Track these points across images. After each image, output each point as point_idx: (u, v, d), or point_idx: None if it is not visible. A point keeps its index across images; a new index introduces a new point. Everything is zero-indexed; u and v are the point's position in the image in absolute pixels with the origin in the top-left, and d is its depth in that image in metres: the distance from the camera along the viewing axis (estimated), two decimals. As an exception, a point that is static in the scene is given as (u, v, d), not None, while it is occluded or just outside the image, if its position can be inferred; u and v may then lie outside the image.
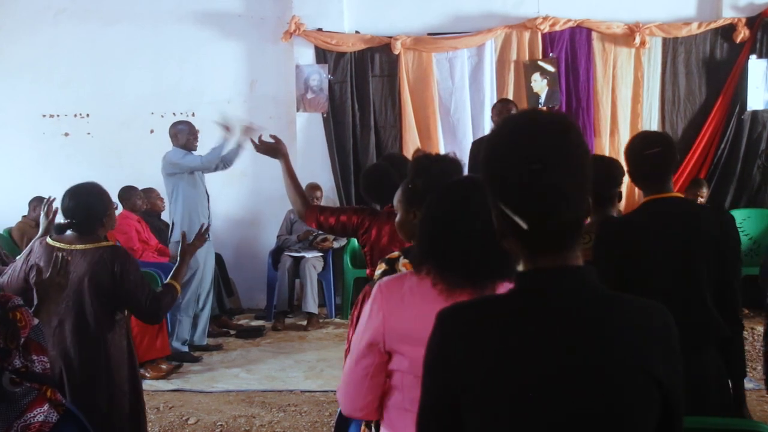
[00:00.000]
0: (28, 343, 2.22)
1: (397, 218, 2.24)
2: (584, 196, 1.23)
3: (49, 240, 3.17)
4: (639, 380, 1.19)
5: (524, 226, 1.20)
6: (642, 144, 2.72)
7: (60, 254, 2.76)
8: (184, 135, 5.88)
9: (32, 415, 2.21)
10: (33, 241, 3.29)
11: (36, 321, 2.29)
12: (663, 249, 2.59)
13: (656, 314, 1.26)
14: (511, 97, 7.05)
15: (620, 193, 3.10)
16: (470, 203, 1.68)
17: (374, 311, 1.79)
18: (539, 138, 1.22)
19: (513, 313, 1.24)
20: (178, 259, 3.40)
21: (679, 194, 2.85)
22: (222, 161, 5.98)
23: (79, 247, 3.08)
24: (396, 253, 2.09)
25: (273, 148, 3.44)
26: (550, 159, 1.19)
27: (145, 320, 3.33)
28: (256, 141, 3.48)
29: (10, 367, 2.16)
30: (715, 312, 2.62)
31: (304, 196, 3.42)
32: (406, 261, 2.03)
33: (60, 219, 3.29)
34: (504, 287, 1.61)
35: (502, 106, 5.96)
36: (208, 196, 6.03)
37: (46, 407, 2.24)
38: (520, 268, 1.26)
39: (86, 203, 3.14)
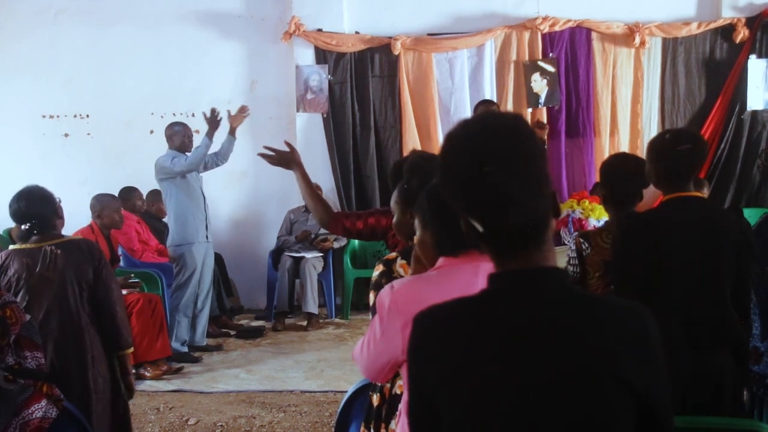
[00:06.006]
0: (20, 340, 2.22)
1: (394, 219, 2.24)
2: (539, 197, 1.21)
3: (12, 247, 3.16)
4: (609, 384, 1.17)
5: (479, 228, 1.21)
6: (673, 141, 2.63)
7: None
8: (179, 137, 5.87)
9: (30, 411, 2.21)
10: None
11: (28, 317, 2.28)
12: (688, 247, 2.56)
13: (632, 316, 1.23)
14: (511, 97, 7.07)
15: (642, 192, 3.04)
16: None
17: (395, 321, 1.70)
18: (489, 140, 1.21)
19: (481, 314, 1.24)
20: None
21: (699, 194, 2.77)
22: (215, 157, 5.95)
23: (50, 243, 3.03)
24: (393, 254, 2.09)
25: (286, 159, 3.23)
26: (500, 161, 1.18)
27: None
28: (266, 150, 3.26)
29: (2, 365, 2.16)
30: (733, 312, 2.61)
31: (326, 204, 3.23)
32: (403, 262, 2.04)
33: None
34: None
35: (484, 107, 5.75)
36: (204, 198, 6.00)
37: (44, 403, 2.24)
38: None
39: (38, 196, 3.15)
